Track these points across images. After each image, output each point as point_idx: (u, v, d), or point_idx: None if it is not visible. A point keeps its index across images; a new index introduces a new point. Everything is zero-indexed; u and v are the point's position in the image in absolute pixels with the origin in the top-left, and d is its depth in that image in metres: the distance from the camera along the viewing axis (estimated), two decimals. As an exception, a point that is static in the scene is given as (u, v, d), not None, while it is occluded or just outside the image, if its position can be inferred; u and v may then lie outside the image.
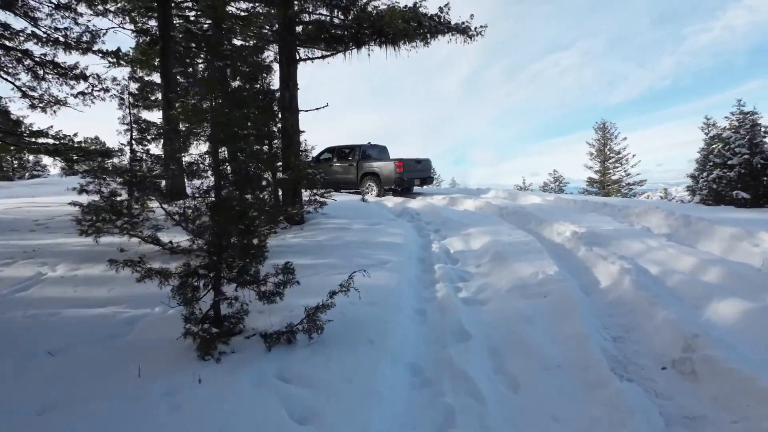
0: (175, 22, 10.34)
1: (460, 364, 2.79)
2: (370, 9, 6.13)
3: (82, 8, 8.39)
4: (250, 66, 4.52)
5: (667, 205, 9.20)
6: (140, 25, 10.40)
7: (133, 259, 2.82)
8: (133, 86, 8.47)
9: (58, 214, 7.64)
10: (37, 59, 8.22)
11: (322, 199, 7.93)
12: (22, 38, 8.07)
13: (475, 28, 7.36)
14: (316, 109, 7.40)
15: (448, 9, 7.08)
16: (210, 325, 2.93)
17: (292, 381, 2.50)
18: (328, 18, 6.51)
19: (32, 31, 7.95)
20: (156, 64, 10.28)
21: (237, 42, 8.63)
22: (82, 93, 8.68)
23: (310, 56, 7.39)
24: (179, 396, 2.27)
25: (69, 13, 8.30)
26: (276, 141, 7.51)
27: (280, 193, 7.54)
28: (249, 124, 3.28)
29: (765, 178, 9.15)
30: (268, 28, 7.22)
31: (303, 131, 7.55)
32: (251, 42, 10.01)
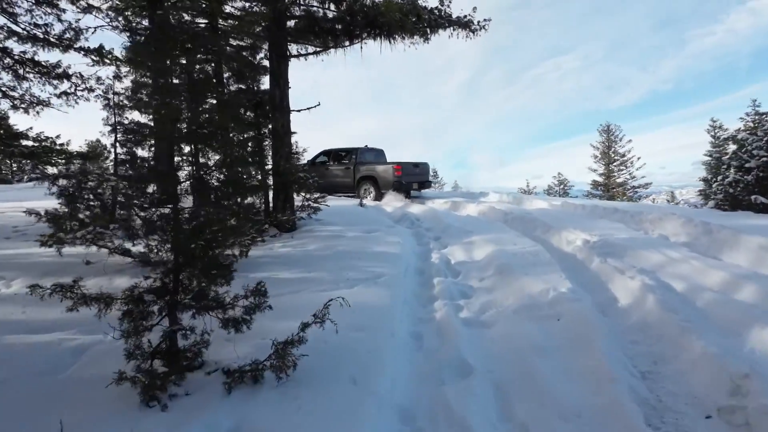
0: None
1: (460, 409, 2.31)
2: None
3: (64, 4, 7.98)
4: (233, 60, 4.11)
5: (683, 210, 8.70)
6: (134, 24, 10.01)
7: (63, 283, 2.36)
8: (120, 86, 8.09)
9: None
10: (17, 57, 7.82)
11: (315, 205, 7.49)
12: (0, 36, 7.67)
13: (478, 22, 6.91)
14: (308, 108, 6.96)
15: (449, 1, 6.64)
16: (163, 359, 2.47)
17: (250, 438, 2.03)
18: (319, 10, 6.08)
19: (10, 28, 7.54)
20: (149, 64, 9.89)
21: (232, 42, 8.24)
22: (65, 93, 8.27)
23: (302, 52, 6.95)
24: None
25: (51, 9, 7.89)
26: (266, 142, 7.08)
27: (270, 197, 7.09)
28: (207, 117, 2.83)
29: (786, 182, 8.62)
30: (258, 23, 6.79)
31: (294, 132, 7.10)
32: (245, 40, 9.62)
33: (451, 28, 6.83)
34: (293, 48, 7.02)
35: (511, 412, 2.38)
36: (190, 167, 2.75)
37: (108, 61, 8.13)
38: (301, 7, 6.12)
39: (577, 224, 7.27)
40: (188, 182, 2.66)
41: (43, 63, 8.04)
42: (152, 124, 3.61)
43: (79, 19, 8.40)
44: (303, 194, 7.35)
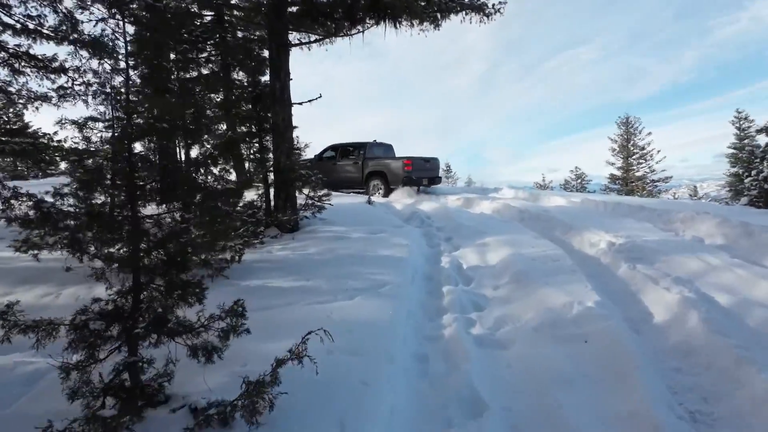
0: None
1: (470, 463, 1.89)
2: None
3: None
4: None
5: (716, 208, 8.06)
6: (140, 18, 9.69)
7: (-7, 309, 1.99)
8: (119, 80, 7.79)
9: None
10: (12, 51, 7.55)
11: (319, 203, 7.09)
12: (-5, 29, 7.40)
13: (493, 5, 6.40)
14: (309, 101, 6.54)
15: (461, -17, 6.14)
16: (119, 396, 2.09)
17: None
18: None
19: (4, 21, 7.26)
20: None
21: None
22: (63, 88, 7.99)
23: (302, 41, 6.52)
24: None
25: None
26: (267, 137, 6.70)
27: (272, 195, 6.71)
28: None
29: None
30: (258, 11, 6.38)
31: (296, 126, 6.70)
32: (252, 33, 9.23)
33: (464, 12, 6.33)
34: (294, 37, 6.60)
35: (533, 469, 1.95)
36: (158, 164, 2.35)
37: (105, 54, 7.81)
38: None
39: (599, 224, 6.74)
40: (151, 183, 2.26)
41: (39, 57, 7.77)
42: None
43: (84, 13, 8.11)
44: (306, 192, 6.96)
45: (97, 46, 7.45)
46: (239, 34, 9.82)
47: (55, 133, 7.99)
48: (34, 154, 6.68)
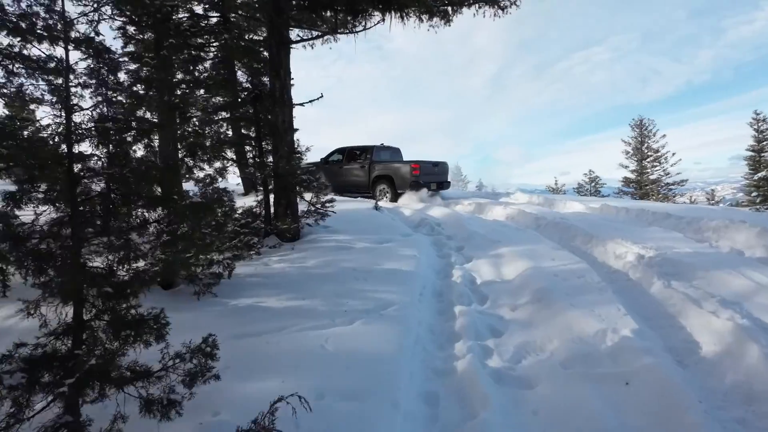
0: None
1: None
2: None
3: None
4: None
5: (751, 216, 7.47)
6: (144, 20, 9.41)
7: None
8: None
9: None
10: (5, 51, 7.27)
11: (323, 210, 6.68)
12: (-13, 28, 7.14)
13: (509, -4, 5.94)
14: (310, 101, 6.15)
15: (474, -26, 5.71)
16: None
17: None
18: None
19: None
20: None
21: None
22: (58, 89, 7.69)
23: (303, 37, 6.14)
24: None
25: (42, -2, 7.31)
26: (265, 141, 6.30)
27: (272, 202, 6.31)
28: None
29: None
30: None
31: (297, 129, 6.30)
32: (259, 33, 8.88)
33: (476, 5, 5.89)
34: (295, 35, 6.22)
35: None
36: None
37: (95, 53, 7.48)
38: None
39: (623, 233, 6.22)
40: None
41: (33, 57, 7.48)
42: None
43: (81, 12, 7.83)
44: (308, 199, 6.56)
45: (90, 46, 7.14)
46: (246, 37, 9.50)
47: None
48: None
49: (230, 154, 6.39)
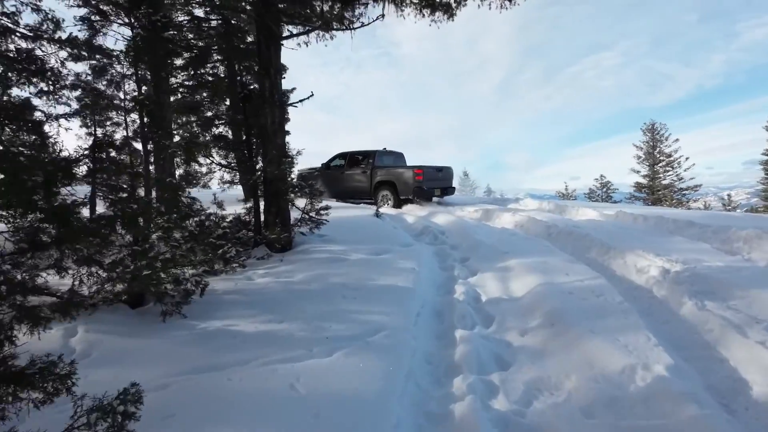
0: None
1: None
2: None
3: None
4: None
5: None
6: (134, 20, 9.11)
7: None
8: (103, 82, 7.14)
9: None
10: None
11: (318, 218, 6.24)
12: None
13: (517, -14, 5.47)
14: (300, 101, 5.73)
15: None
16: None
17: None
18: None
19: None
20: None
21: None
22: (43, 92, 7.38)
23: (294, 32, 5.73)
24: None
25: (28, -3, 7.02)
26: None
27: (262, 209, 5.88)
28: None
29: None
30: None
31: (288, 132, 5.88)
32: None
33: (482, -4, 5.43)
34: (287, 31, 5.81)
35: None
36: None
37: (85, 54, 7.17)
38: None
39: (643, 243, 5.69)
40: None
41: (18, 59, 7.18)
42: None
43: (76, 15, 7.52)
44: (302, 206, 6.13)
45: (76, 46, 6.83)
46: (249, 39, 9.15)
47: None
48: None
49: (218, 158, 5.97)
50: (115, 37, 6.75)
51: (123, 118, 3.72)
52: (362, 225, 7.59)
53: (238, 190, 7.51)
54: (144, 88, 3.90)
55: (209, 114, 6.71)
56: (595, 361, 2.68)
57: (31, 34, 6.99)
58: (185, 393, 2.26)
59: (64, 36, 7.45)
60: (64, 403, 1.70)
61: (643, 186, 28.36)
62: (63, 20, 7.13)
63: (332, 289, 4.03)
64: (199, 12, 9.98)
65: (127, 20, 7.00)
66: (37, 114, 5.32)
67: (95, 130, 6.04)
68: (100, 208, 3.95)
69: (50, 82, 7.11)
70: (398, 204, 10.37)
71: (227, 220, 5.96)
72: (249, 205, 5.94)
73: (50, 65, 7.28)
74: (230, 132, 8.12)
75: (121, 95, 3.78)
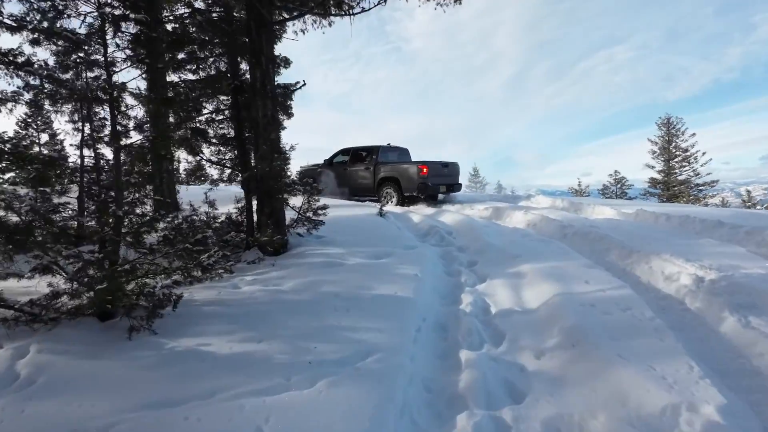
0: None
1: None
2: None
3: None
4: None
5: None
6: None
7: None
8: (90, 75, 6.78)
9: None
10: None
11: (315, 218, 5.84)
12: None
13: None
14: (293, 90, 5.31)
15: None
16: None
17: None
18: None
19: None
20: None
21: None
22: (29, 85, 7.06)
23: (287, 16, 5.31)
24: None
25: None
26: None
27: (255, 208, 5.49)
28: None
29: None
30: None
31: (284, 126, 5.48)
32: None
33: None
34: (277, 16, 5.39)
35: None
36: None
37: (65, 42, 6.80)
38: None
39: (670, 246, 5.19)
40: None
41: (2, 51, 6.86)
42: None
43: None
44: (298, 206, 5.73)
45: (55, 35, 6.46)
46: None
47: (22, 137, 7.05)
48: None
49: (208, 154, 5.59)
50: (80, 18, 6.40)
51: (82, 109, 3.33)
52: (364, 225, 7.18)
53: (238, 188, 7.15)
54: (114, 77, 3.50)
55: (207, 110, 6.31)
56: (627, 396, 2.23)
57: None
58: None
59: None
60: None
61: (658, 182, 27.59)
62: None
63: (324, 299, 3.61)
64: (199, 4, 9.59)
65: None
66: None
67: (83, 126, 5.68)
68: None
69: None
70: (402, 201, 9.93)
71: (218, 220, 5.59)
72: (241, 204, 5.55)
73: None
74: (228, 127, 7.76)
75: (84, 84, 3.39)
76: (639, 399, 2.17)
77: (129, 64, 3.68)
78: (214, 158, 5.58)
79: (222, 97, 6.52)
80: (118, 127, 3.69)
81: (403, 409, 2.27)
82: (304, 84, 5.48)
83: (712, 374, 2.44)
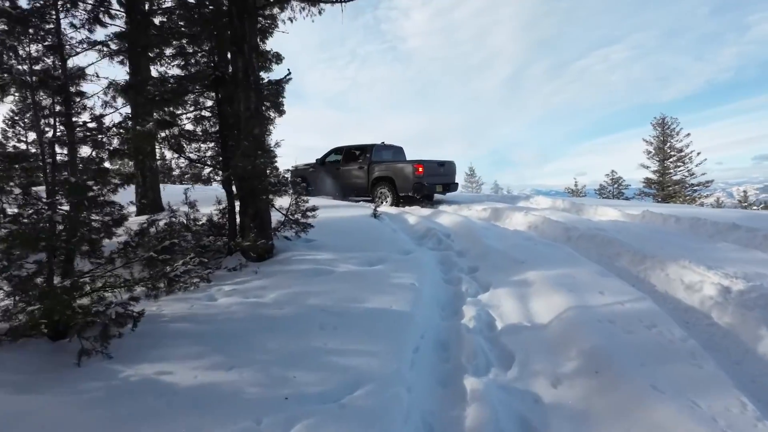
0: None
1: None
2: None
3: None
4: None
5: None
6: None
7: None
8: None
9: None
10: None
11: (304, 221, 5.42)
12: None
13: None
14: (277, 82, 4.88)
15: None
16: None
17: None
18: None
19: None
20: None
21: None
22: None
23: (271, 0, 4.88)
24: None
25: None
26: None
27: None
28: None
29: None
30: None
31: (271, 121, 5.05)
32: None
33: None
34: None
35: None
36: None
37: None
38: None
39: (685, 250, 4.82)
40: None
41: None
42: None
43: None
44: (285, 207, 5.30)
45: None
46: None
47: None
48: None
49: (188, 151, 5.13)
50: None
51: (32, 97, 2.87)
52: (357, 227, 6.76)
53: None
54: (68, 61, 3.06)
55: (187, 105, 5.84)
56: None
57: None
58: None
59: None
60: None
61: (653, 182, 27.44)
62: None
63: (309, 314, 3.19)
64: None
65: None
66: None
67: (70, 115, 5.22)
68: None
69: None
70: (397, 201, 9.52)
71: (199, 223, 5.16)
72: (223, 206, 5.12)
73: None
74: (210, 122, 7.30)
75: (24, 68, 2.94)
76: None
77: (86, 47, 3.23)
78: (193, 155, 5.14)
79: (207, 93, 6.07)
80: (78, 120, 3.27)
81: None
82: (290, 75, 5.05)
83: (758, 403, 2.06)
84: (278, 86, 6.41)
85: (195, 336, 2.86)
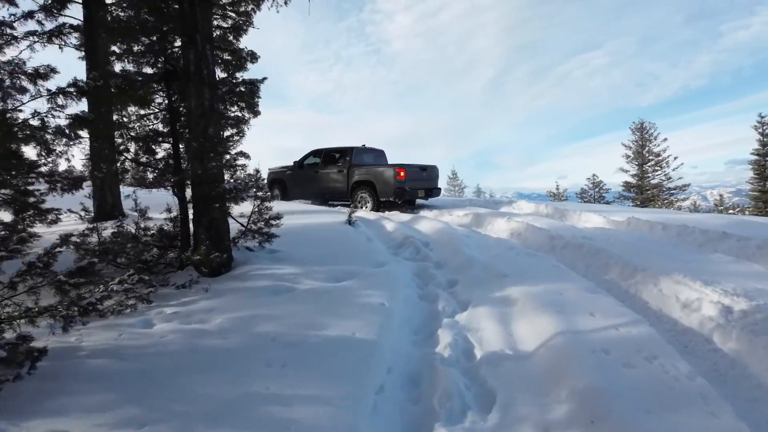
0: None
1: None
2: None
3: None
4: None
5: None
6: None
7: None
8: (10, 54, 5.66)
9: None
10: None
11: (268, 230, 4.92)
12: None
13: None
14: (251, 82, 4.41)
15: None
16: None
17: None
18: None
19: None
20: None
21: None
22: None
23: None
24: None
25: None
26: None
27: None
28: None
29: None
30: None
31: (230, 118, 4.55)
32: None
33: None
34: None
35: None
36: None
37: None
38: None
39: (676, 262, 4.51)
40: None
41: None
42: None
43: None
44: (245, 217, 4.80)
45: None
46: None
47: None
48: None
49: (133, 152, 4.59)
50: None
51: None
52: (330, 235, 6.28)
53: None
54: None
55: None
56: None
57: None
58: None
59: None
60: None
61: (632, 185, 27.65)
62: None
63: (256, 346, 2.71)
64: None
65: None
66: None
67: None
68: None
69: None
70: (377, 206, 9.08)
71: (150, 233, 4.63)
72: (174, 213, 4.59)
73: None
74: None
75: None
76: None
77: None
78: (143, 158, 4.59)
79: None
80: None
81: None
82: (266, 79, 4.58)
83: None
84: (253, 86, 5.92)
85: (112, 378, 2.35)
